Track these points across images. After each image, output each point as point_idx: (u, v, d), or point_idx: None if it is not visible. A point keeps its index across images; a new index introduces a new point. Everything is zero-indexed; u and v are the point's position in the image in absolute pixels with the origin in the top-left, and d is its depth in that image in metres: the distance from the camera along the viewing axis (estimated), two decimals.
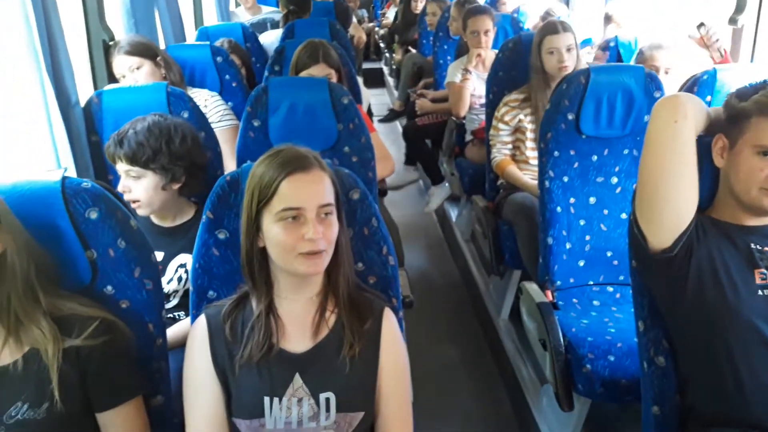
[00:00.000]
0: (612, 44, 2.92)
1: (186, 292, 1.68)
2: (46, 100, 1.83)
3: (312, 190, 1.16)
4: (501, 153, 2.63)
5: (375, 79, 6.76)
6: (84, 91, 2.13)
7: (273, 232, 1.16)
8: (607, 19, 3.47)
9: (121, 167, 1.64)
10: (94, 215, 1.20)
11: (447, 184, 3.88)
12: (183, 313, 1.71)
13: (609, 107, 2.04)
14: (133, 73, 2.27)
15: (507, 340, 2.48)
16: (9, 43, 1.73)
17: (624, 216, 2.09)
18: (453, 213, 3.67)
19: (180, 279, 1.70)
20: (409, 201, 4.26)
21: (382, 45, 7.58)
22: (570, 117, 2.04)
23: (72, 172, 1.82)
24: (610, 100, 2.03)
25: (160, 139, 1.63)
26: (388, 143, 3.00)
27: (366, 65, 7.07)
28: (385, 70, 7.33)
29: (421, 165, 4.16)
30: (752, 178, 1.23)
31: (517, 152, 2.64)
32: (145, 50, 2.30)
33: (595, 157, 2.07)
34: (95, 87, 2.35)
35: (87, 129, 1.98)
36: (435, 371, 2.37)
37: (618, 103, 2.04)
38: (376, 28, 7.88)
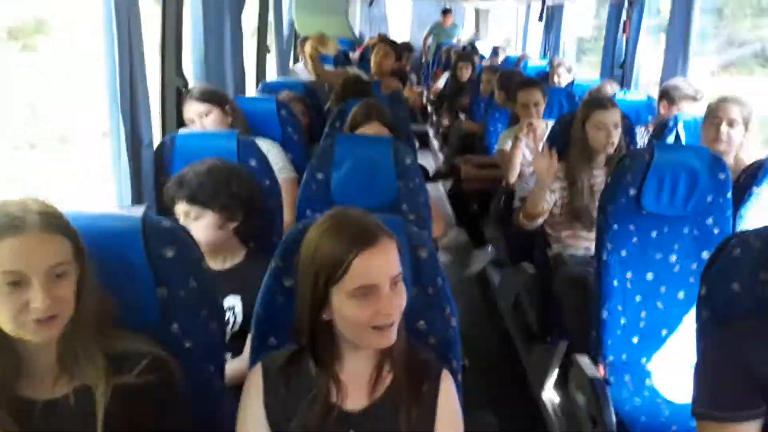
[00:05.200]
0: (672, 123, 2.93)
1: (234, 334, 1.69)
2: (120, 139, 1.92)
3: (384, 264, 1.13)
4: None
5: (420, 142, 6.87)
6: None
7: (347, 310, 1.13)
8: (665, 97, 3.47)
9: (181, 208, 1.69)
10: (170, 254, 1.23)
11: (490, 249, 3.86)
12: (230, 354, 1.71)
13: (672, 185, 2.03)
14: (202, 118, 2.36)
15: (551, 413, 2.41)
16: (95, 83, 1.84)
17: (681, 296, 2.06)
18: (495, 278, 3.64)
19: (228, 321, 1.70)
20: (450, 263, 4.25)
21: (429, 109, 7.74)
22: (632, 192, 2.03)
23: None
24: (673, 178, 2.02)
25: (219, 180, 1.68)
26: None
27: (413, 127, 7.20)
28: (431, 132, 7.45)
29: (464, 228, 4.16)
30: None
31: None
32: (215, 97, 2.39)
33: (654, 233, 2.05)
34: (163, 132, 2.45)
35: (157, 170, 2.05)
36: None
37: (681, 182, 2.03)
38: (425, 92, 8.07)
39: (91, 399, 1.09)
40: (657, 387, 1.94)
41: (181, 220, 1.69)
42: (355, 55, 7.69)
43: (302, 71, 4.86)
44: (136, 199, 1.97)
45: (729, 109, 2.47)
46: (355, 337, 1.17)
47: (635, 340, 2.03)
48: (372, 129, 2.45)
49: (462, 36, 10.06)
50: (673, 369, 1.99)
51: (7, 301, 1.02)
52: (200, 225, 1.68)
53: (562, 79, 4.68)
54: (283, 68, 4.78)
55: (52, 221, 1.06)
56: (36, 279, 1.02)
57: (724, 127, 2.43)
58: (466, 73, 6.15)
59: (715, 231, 2.07)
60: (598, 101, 2.56)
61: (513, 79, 4.06)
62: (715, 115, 2.47)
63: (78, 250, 1.09)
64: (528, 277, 2.74)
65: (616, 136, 2.50)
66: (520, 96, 3.44)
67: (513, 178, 3.37)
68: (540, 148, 3.10)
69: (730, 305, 1.37)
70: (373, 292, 1.12)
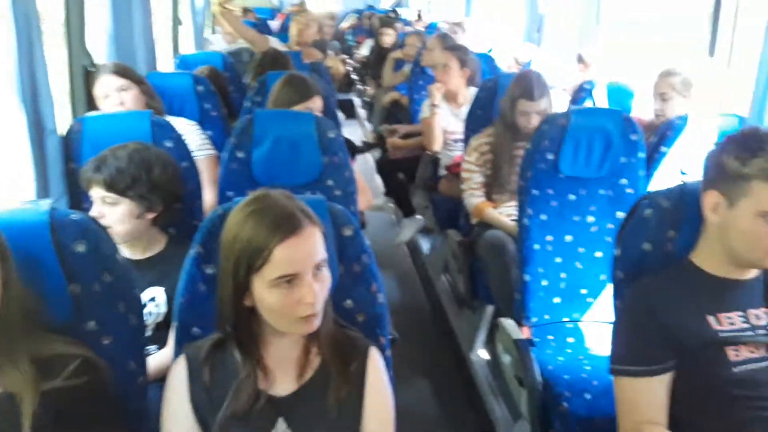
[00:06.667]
0: (587, 86, 3.02)
1: (157, 325, 1.65)
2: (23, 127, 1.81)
3: (306, 252, 1.11)
4: (475, 196, 2.67)
5: (346, 111, 6.81)
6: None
7: (268, 299, 1.11)
8: (580, 60, 3.57)
9: (97, 193, 1.61)
10: (81, 248, 1.18)
11: (419, 217, 3.91)
12: (155, 347, 1.67)
13: (587, 148, 2.09)
14: (119, 94, 2.23)
15: (480, 375, 2.48)
16: None
17: (598, 254, 2.14)
18: (425, 246, 3.69)
19: (150, 313, 1.65)
20: (381, 232, 4.28)
21: (354, 77, 7.66)
22: (549, 157, 2.09)
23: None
24: (589, 141, 2.09)
25: (140, 167, 1.60)
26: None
27: (337, 96, 7.12)
28: (357, 102, 7.39)
29: (393, 197, 4.18)
30: (758, 243, 1.26)
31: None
32: (132, 74, 2.28)
33: (572, 197, 2.12)
34: (74, 114, 2.32)
35: (64, 157, 1.95)
36: (406, 406, 2.34)
37: (596, 144, 2.10)
38: (348, 61, 7.97)
39: (15, 407, 1.03)
40: (578, 345, 2.03)
41: (97, 206, 1.62)
42: (275, 23, 7.51)
43: (219, 42, 4.70)
44: (42, 191, 1.86)
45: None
46: (278, 325, 1.15)
47: (557, 300, 2.11)
48: (315, 104, 2.38)
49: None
50: (593, 326, 2.09)
51: None
52: (116, 212, 1.60)
53: (458, 36, 4.61)
54: (198, 40, 4.60)
55: None
56: None
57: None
58: (388, 40, 6.10)
59: (629, 191, 2.15)
60: (526, 89, 2.53)
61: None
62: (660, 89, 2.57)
63: (2, 255, 1.03)
64: (455, 244, 2.79)
65: (539, 119, 2.52)
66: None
67: (436, 146, 3.40)
68: (463, 116, 3.14)
69: (642, 264, 1.45)
70: (296, 281, 1.10)
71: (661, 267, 1.42)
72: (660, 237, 1.44)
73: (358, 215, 2.13)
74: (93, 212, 1.60)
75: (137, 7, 2.94)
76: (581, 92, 3.20)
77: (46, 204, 1.18)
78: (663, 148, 2.41)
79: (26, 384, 1.04)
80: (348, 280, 1.34)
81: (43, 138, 1.88)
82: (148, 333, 1.65)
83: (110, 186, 1.59)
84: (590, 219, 2.15)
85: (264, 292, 1.11)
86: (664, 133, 2.42)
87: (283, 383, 1.20)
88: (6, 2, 1.73)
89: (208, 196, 2.16)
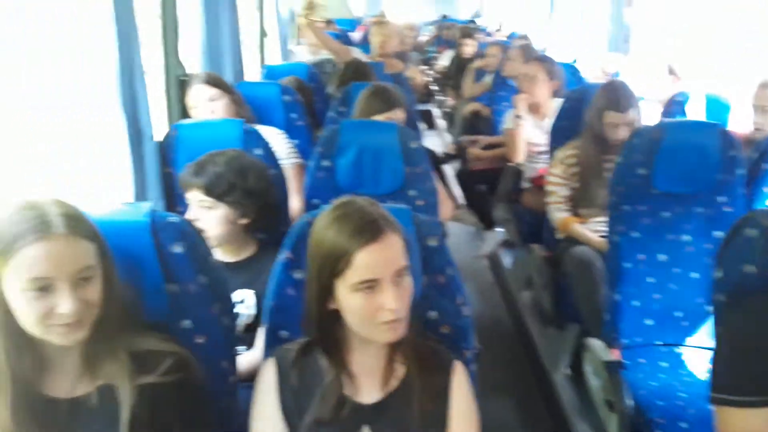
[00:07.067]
0: (680, 98, 2.88)
1: (246, 327, 1.68)
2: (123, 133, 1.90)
3: (387, 258, 1.12)
4: (561, 210, 2.59)
5: (425, 122, 6.82)
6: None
7: (350, 303, 1.12)
8: (671, 72, 3.42)
9: (194, 196, 1.67)
10: (178, 249, 1.21)
11: (500, 230, 3.84)
12: (243, 347, 1.70)
13: (682, 164, 2.00)
14: (211, 103, 2.31)
15: (565, 396, 2.40)
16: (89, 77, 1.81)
17: (695, 275, 2.03)
18: (507, 260, 3.62)
19: (240, 314, 1.70)
20: (460, 244, 4.23)
21: (434, 88, 7.66)
22: (641, 171, 2.01)
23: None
24: (683, 156, 1.99)
25: (237, 174, 1.65)
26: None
27: (417, 107, 7.14)
28: (436, 112, 7.39)
29: (474, 210, 4.13)
30: None
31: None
32: (223, 84, 2.35)
33: (666, 214, 2.03)
34: (170, 121, 2.42)
35: (161, 162, 2.03)
36: (486, 422, 2.30)
37: (691, 160, 2.00)
38: (428, 72, 7.99)
39: (114, 398, 1.08)
40: (673, 370, 1.92)
41: (193, 209, 1.68)
42: (356, 35, 7.62)
43: (302, 53, 4.81)
44: (140, 194, 1.95)
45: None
46: (362, 331, 1.16)
47: (649, 322, 2.01)
48: (397, 115, 2.39)
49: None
50: (689, 351, 1.98)
51: (33, 306, 1.00)
52: (211, 216, 1.66)
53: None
54: (283, 52, 4.73)
55: (78, 225, 1.04)
56: (62, 284, 1.01)
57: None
58: (469, 50, 6.06)
59: (727, 209, 2.04)
60: (613, 100, 2.42)
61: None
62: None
63: (102, 253, 1.08)
64: (539, 259, 2.72)
65: (630, 131, 2.42)
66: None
67: (520, 157, 3.33)
68: (547, 127, 3.07)
69: (746, 287, 1.35)
70: (377, 287, 1.11)
71: (766, 290, 1.32)
72: (765, 259, 1.35)
73: (440, 226, 2.11)
74: (189, 215, 1.66)
75: (226, 20, 3.04)
76: (674, 105, 3.06)
77: (146, 206, 1.23)
78: (765, 165, 2.26)
79: (124, 376, 1.08)
80: (432, 292, 1.33)
81: (141, 143, 1.97)
82: (237, 333, 1.70)
83: (208, 191, 1.64)
84: (686, 238, 2.05)
85: (346, 297, 1.12)
86: (766, 148, 2.28)
87: (368, 391, 1.20)
88: (110, 16, 1.82)
89: (295, 204, 2.20)
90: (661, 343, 2.01)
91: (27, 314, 1.01)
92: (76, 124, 1.85)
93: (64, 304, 1.00)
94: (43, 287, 1.00)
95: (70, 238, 1.02)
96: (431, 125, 7.14)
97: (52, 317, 1.01)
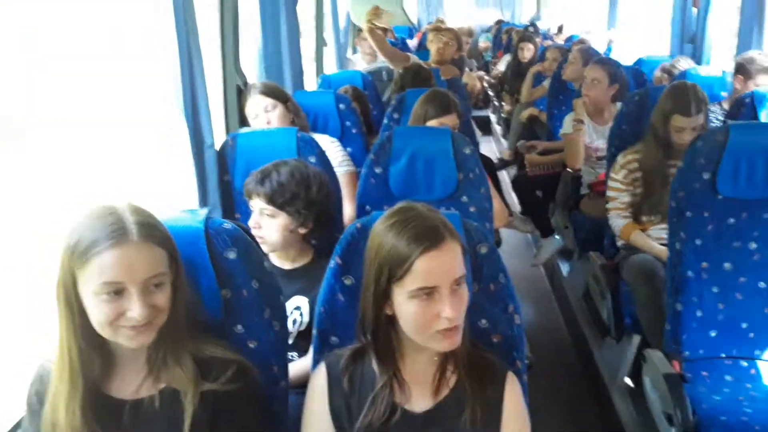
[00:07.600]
0: (748, 100, 2.76)
1: (300, 333, 1.71)
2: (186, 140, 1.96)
3: (446, 265, 1.11)
4: (622, 217, 2.51)
5: (482, 128, 6.76)
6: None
7: (407, 310, 1.12)
8: (740, 71, 3.27)
9: (257, 204, 1.71)
10: (232, 255, 1.24)
11: (558, 237, 3.76)
12: (296, 354, 1.73)
13: (749, 167, 1.91)
14: (267, 113, 2.37)
15: (622, 408, 2.32)
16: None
17: (762, 285, 1.94)
18: (564, 268, 3.55)
19: (294, 321, 1.72)
20: (516, 251, 4.17)
21: (490, 93, 7.60)
22: (705, 176, 1.93)
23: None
24: (750, 160, 1.91)
25: (300, 184, 1.70)
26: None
27: (474, 113, 7.10)
28: (493, 118, 7.32)
29: (530, 216, 4.07)
30: None
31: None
32: (279, 93, 2.41)
33: (732, 220, 1.94)
34: (227, 130, 2.49)
35: (219, 169, 2.09)
36: None
37: (759, 163, 1.91)
38: (485, 77, 7.93)
39: (176, 402, 1.11)
40: (738, 384, 1.84)
41: (255, 216, 1.72)
42: (413, 42, 7.64)
43: (359, 61, 4.86)
44: (202, 200, 2.01)
45: None
46: (417, 338, 1.15)
47: (713, 333, 1.93)
48: (449, 120, 2.41)
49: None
50: (756, 365, 1.89)
51: (104, 309, 1.05)
52: (272, 224, 1.70)
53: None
54: (341, 60, 4.79)
55: (152, 232, 1.08)
56: (134, 289, 1.05)
57: None
58: (527, 54, 5.98)
59: None
60: (682, 106, 2.34)
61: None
62: None
63: (173, 260, 1.11)
64: (598, 267, 2.64)
65: (695, 134, 2.31)
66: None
67: (579, 163, 3.26)
68: (607, 131, 3.00)
69: None
70: (434, 294, 1.10)
71: None
72: None
73: (493, 233, 2.09)
74: (251, 222, 1.71)
75: (285, 30, 3.10)
76: (741, 106, 2.92)
77: (202, 213, 1.27)
78: None
79: (188, 381, 1.12)
80: (483, 300, 1.31)
81: (202, 152, 2.03)
82: (291, 340, 1.72)
83: (271, 199, 1.69)
84: (752, 246, 1.96)
85: (403, 303, 1.12)
86: None
87: (419, 399, 1.20)
88: (172, 29, 1.89)
89: (348, 210, 2.22)
90: (726, 355, 1.93)
91: (98, 316, 1.06)
92: (152, 133, 1.93)
93: (135, 308, 1.04)
94: (116, 291, 1.04)
95: (144, 245, 1.06)
96: (488, 131, 7.08)
97: (122, 320, 1.05)
